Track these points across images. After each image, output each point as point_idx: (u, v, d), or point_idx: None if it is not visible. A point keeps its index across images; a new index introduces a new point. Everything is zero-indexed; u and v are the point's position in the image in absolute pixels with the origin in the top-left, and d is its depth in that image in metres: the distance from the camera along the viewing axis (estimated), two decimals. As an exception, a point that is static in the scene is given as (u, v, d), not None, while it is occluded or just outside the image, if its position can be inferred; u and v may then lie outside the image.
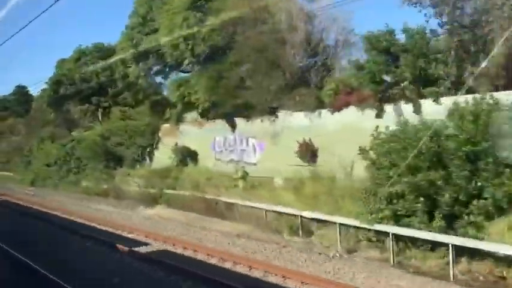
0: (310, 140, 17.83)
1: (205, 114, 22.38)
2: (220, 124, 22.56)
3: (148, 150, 27.82)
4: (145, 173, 25.78)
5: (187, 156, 24.06)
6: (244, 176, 19.22)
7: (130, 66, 26.27)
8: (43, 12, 12.79)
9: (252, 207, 16.11)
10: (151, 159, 27.89)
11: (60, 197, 28.23)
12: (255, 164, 20.56)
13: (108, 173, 28.56)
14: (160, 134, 27.15)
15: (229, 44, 20.11)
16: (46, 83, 40.36)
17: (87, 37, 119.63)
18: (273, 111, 19.25)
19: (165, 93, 29.40)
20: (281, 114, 19.18)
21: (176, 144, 24.15)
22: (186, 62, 21.26)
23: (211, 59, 20.80)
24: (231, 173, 21.29)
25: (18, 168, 41.71)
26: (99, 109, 33.87)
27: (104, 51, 36.92)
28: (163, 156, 26.02)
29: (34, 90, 53.70)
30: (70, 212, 22.08)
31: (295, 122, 18.64)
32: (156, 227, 17.48)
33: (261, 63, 18.70)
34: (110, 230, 17.40)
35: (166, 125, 26.75)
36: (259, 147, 20.52)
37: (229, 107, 20.48)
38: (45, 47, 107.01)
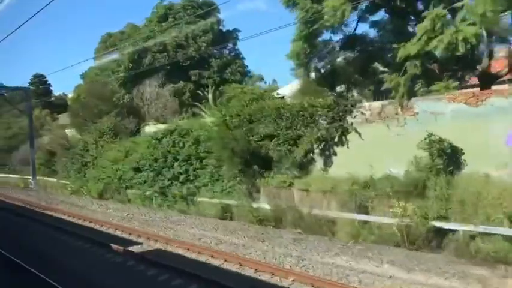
0: None
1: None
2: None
3: (322, 146, 17.12)
4: (337, 186, 15.10)
5: (446, 156, 13.41)
6: None
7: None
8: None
9: None
10: (327, 162, 17.17)
11: (194, 227, 17.15)
12: None
13: (252, 184, 17.91)
14: (351, 120, 16.48)
15: None
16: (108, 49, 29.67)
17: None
18: None
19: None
20: None
21: (430, 136, 13.42)
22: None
23: None
24: None
25: (69, 173, 30.77)
26: (210, 87, 22.69)
27: (198, 8, 26.23)
28: (354, 155, 15.58)
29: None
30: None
31: None
32: None
33: None
34: None
35: (373, 104, 16.04)
36: None
37: None
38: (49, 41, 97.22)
